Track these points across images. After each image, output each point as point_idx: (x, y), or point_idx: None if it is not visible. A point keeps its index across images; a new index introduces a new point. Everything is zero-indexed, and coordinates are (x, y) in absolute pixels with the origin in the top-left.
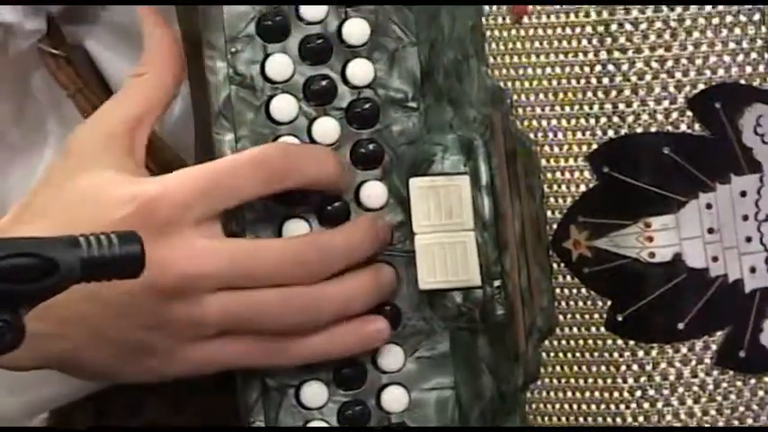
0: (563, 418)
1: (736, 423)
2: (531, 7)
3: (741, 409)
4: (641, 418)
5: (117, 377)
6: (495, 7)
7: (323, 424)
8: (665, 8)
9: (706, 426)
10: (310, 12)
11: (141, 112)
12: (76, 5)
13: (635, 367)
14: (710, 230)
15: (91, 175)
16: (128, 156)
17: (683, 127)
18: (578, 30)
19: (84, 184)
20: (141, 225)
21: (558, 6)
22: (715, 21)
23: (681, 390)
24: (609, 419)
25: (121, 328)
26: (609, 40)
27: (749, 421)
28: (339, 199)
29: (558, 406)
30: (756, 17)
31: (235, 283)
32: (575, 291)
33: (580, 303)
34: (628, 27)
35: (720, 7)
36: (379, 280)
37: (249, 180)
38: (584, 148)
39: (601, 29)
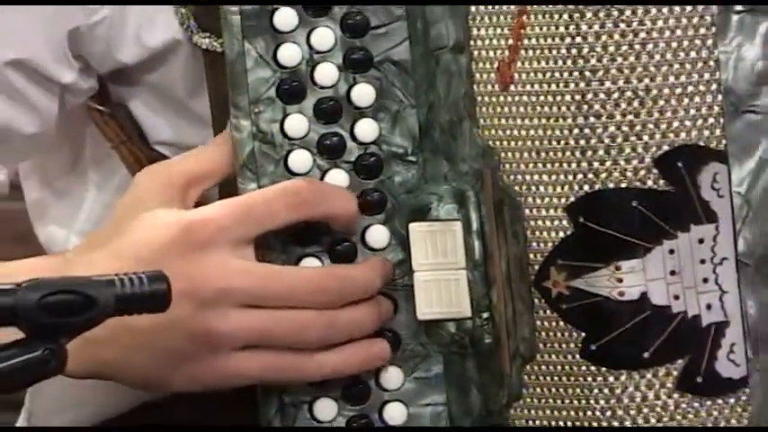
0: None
1: None
2: (516, 76)
3: (698, 426)
4: (615, 424)
5: (160, 384)
6: (485, 75)
7: None
8: (634, 80)
9: None
10: (323, 77)
11: (202, 171)
12: (122, 71)
13: (606, 391)
14: (672, 272)
15: (146, 212)
16: (177, 201)
17: (650, 183)
18: (559, 98)
19: (141, 218)
20: (185, 244)
21: (542, 76)
22: (678, 90)
23: (645, 411)
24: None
25: (164, 335)
26: (585, 107)
27: None
28: (347, 240)
29: (537, 423)
30: (713, 87)
31: (262, 302)
32: (554, 324)
33: (558, 335)
34: (602, 96)
35: (683, 78)
36: (380, 311)
37: (281, 207)
38: (563, 200)
39: (578, 97)
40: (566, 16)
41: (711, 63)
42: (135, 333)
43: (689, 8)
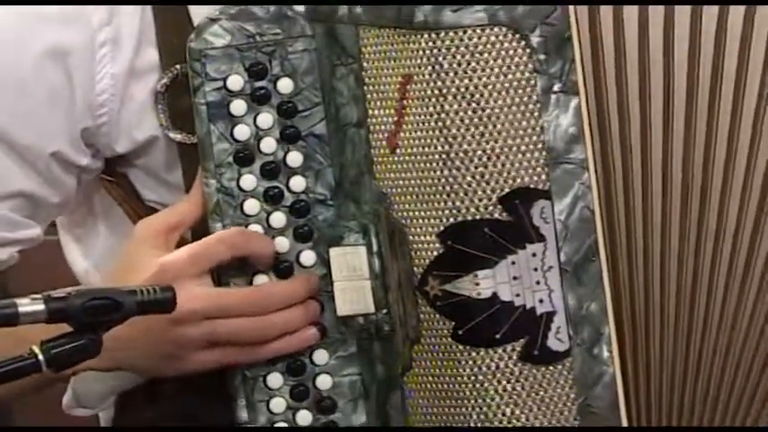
0: (426, 393)
1: (533, 395)
2: (401, 143)
3: (536, 386)
4: (475, 393)
5: (157, 373)
6: (378, 142)
7: (281, 400)
8: (483, 142)
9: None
10: (266, 148)
11: (178, 220)
12: (121, 156)
13: (470, 362)
14: (515, 278)
15: (140, 255)
16: (163, 245)
17: (496, 215)
18: (430, 156)
19: (136, 260)
20: (160, 280)
21: (418, 142)
22: (515, 149)
23: (499, 376)
24: (454, 394)
25: (155, 344)
26: (449, 162)
27: (541, 393)
28: (287, 261)
29: (422, 386)
30: (540, 146)
31: (219, 315)
32: (432, 316)
33: (435, 324)
34: (461, 155)
35: (518, 140)
36: (308, 311)
37: (220, 250)
38: (436, 229)
39: (444, 156)
40: (434, 100)
41: (538, 129)
42: (137, 343)
43: (521, 90)
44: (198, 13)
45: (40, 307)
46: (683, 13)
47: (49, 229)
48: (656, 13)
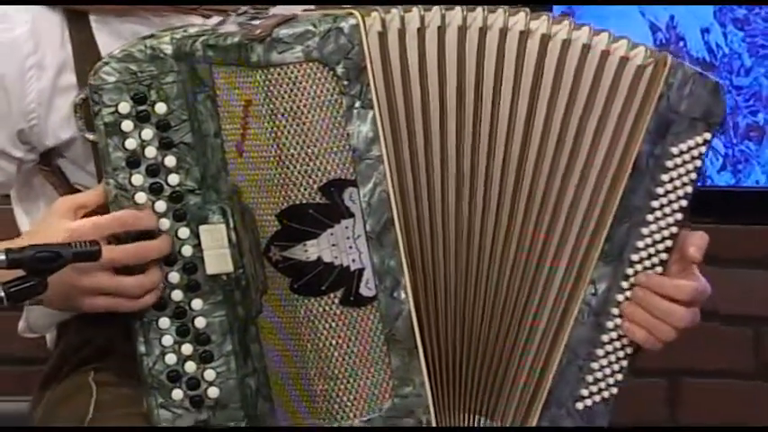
0: (275, 330)
1: (352, 329)
2: (246, 148)
3: (353, 323)
4: (310, 326)
5: (65, 309)
6: (230, 148)
7: (169, 336)
8: (306, 147)
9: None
10: (149, 154)
11: (86, 203)
12: (50, 150)
13: (304, 308)
14: (333, 245)
15: (53, 222)
16: (72, 218)
17: (317, 199)
18: (268, 159)
19: (49, 224)
20: (68, 239)
21: (258, 148)
22: (329, 150)
23: (326, 316)
24: (294, 330)
25: (66, 290)
26: (281, 162)
27: (357, 328)
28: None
29: (272, 325)
30: (347, 147)
31: (108, 266)
32: (275, 274)
33: (278, 280)
34: (290, 156)
35: (332, 143)
36: (160, 274)
37: (114, 224)
38: (274, 211)
39: (278, 158)
40: (268, 117)
41: (345, 135)
42: (55, 291)
43: (331, 108)
44: (105, 49)
45: (2, 257)
46: (450, 42)
47: None
48: (431, 39)
